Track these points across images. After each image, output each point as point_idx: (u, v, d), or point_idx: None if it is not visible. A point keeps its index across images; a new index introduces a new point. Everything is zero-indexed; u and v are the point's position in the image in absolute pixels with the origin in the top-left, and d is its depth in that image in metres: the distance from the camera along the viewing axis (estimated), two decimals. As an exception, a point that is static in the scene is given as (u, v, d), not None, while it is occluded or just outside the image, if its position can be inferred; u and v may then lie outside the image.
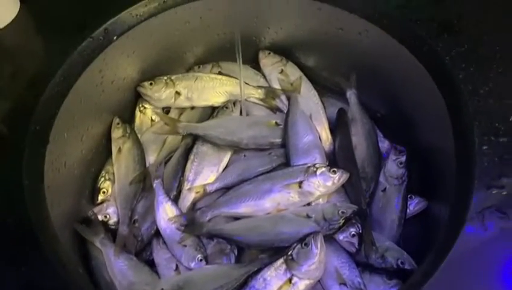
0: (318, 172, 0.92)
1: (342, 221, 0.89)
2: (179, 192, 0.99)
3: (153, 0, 0.97)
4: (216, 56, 1.15)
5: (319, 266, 0.83)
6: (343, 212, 0.89)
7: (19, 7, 0.96)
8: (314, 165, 0.94)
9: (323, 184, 0.92)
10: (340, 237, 0.90)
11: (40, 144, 0.81)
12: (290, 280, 0.83)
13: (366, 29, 0.96)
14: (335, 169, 0.92)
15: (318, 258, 0.82)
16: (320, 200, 0.95)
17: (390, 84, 1.01)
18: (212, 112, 1.10)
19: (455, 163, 0.76)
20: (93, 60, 0.92)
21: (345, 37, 1.03)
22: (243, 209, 0.93)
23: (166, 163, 1.02)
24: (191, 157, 1.01)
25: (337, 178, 0.92)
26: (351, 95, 1.07)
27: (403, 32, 0.90)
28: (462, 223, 0.66)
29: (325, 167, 0.93)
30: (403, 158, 0.96)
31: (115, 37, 0.94)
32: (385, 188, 0.96)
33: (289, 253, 0.84)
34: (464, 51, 0.84)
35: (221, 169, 1.01)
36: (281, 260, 0.85)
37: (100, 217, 0.96)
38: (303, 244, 0.84)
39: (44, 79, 0.85)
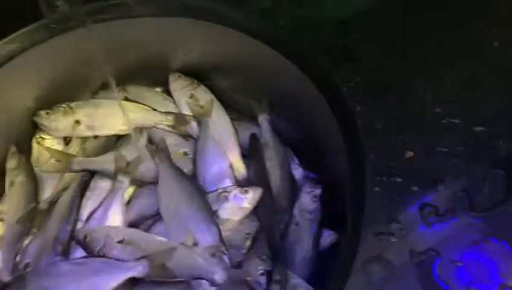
0: (230, 196, 0.87)
1: (249, 242, 0.85)
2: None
3: (43, 26, 0.89)
4: (124, 79, 1.07)
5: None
6: (248, 233, 0.86)
7: None
8: (224, 190, 0.89)
9: (239, 207, 0.87)
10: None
11: None
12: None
13: (272, 55, 0.91)
14: (246, 188, 0.87)
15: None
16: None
17: (301, 110, 0.96)
18: (117, 140, 1.03)
19: (350, 205, 0.72)
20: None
21: (254, 62, 0.97)
22: None
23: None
24: (87, 194, 0.93)
25: (251, 197, 0.87)
26: (262, 120, 1.01)
27: (304, 61, 0.85)
28: (347, 275, 0.62)
29: (235, 188, 0.88)
30: (318, 191, 0.91)
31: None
32: (298, 223, 0.91)
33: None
34: (362, 81, 0.80)
35: (122, 205, 0.93)
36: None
37: (-13, 263, 0.87)
38: None
39: None
